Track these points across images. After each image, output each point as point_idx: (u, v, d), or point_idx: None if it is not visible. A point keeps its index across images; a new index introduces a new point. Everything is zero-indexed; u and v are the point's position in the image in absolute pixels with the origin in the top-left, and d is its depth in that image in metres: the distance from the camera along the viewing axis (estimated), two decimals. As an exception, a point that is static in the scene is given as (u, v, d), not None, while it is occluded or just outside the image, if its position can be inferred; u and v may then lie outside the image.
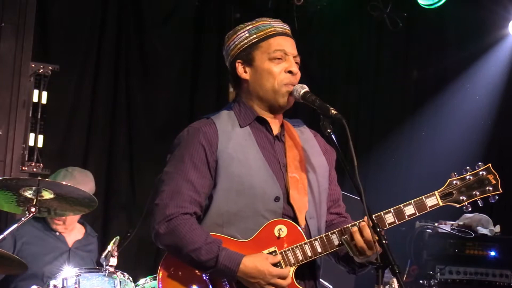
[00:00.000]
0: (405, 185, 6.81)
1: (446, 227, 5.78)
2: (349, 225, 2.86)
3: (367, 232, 2.77)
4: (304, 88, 2.92)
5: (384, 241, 2.65)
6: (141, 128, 6.07)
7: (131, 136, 6.04)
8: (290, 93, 2.93)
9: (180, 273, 2.86)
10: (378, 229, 2.69)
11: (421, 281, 5.62)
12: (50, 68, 5.48)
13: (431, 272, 5.62)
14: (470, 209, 2.93)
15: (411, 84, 7.25)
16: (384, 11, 6.62)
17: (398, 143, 6.91)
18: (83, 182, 4.59)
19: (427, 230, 5.75)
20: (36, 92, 5.46)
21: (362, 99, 7.09)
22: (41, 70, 5.45)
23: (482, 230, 5.83)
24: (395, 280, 2.69)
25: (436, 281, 5.60)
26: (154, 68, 6.14)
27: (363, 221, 2.81)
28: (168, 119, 6.11)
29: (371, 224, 2.72)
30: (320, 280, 3.03)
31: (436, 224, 5.79)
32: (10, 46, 5.44)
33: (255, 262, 2.76)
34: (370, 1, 6.61)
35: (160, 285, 2.85)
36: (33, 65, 5.47)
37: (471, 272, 5.69)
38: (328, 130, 2.81)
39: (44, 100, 5.47)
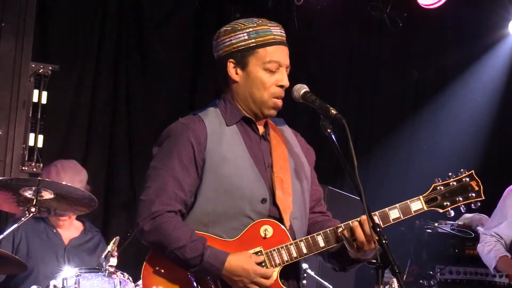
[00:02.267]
0: (405, 185, 6.81)
1: (446, 227, 5.77)
2: (342, 224, 2.87)
3: (367, 227, 2.79)
4: (304, 88, 2.93)
5: (384, 241, 2.65)
6: (141, 128, 6.06)
7: (131, 136, 6.04)
8: (275, 108, 2.93)
9: (165, 270, 2.86)
10: (378, 229, 2.70)
11: (421, 281, 5.62)
12: (50, 68, 5.47)
13: (431, 272, 5.62)
14: (452, 215, 2.97)
15: (411, 84, 7.26)
16: (384, 11, 6.61)
17: (398, 143, 6.91)
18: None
19: (427, 230, 5.75)
20: (36, 92, 5.45)
21: (362, 99, 7.09)
22: (41, 70, 5.44)
23: (482, 230, 5.82)
24: (395, 280, 2.69)
25: (436, 281, 5.60)
26: (154, 68, 6.14)
27: (356, 220, 2.83)
28: (168, 119, 6.03)
29: (371, 224, 2.72)
30: (320, 280, 3.03)
31: (436, 224, 5.79)
32: (10, 46, 5.43)
33: (240, 261, 2.77)
34: (370, 1, 6.61)
35: (144, 282, 2.85)
36: (33, 65, 5.46)
37: (471, 272, 5.69)
38: (328, 130, 2.80)
39: (44, 100, 5.47)
